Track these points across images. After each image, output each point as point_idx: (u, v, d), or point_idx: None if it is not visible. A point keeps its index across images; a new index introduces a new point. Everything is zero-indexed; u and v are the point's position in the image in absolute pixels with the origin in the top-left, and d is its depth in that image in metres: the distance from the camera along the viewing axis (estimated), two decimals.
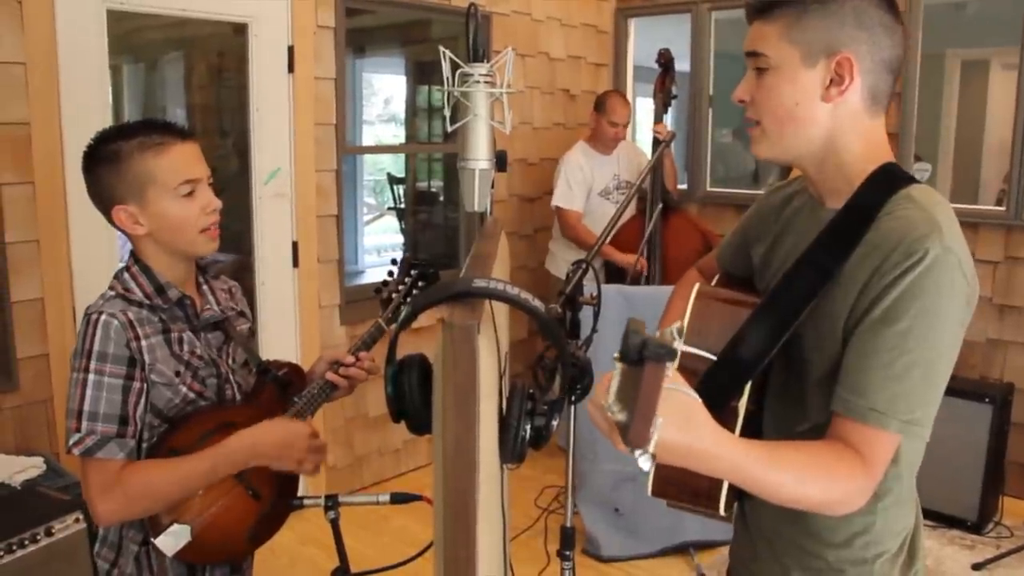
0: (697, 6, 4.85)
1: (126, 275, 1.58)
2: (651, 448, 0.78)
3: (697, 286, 1.38)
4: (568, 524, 1.76)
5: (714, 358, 0.91)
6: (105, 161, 1.54)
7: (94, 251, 2.96)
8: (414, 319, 0.99)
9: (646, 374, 0.76)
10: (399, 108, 8.88)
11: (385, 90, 8.90)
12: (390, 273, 1.96)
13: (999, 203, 4.26)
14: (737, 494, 1.27)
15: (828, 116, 1.22)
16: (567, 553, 1.76)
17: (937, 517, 3.70)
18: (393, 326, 1.89)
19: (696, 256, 4.14)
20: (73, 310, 2.92)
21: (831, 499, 1.13)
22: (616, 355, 0.86)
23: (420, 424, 1.06)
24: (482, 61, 1.38)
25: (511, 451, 1.01)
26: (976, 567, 3.40)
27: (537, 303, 0.98)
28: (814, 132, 1.23)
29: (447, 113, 1.38)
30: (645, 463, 0.79)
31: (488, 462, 0.97)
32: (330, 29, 3.64)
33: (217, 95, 5.02)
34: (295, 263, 3.66)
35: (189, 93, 5.21)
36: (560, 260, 4.46)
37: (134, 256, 1.61)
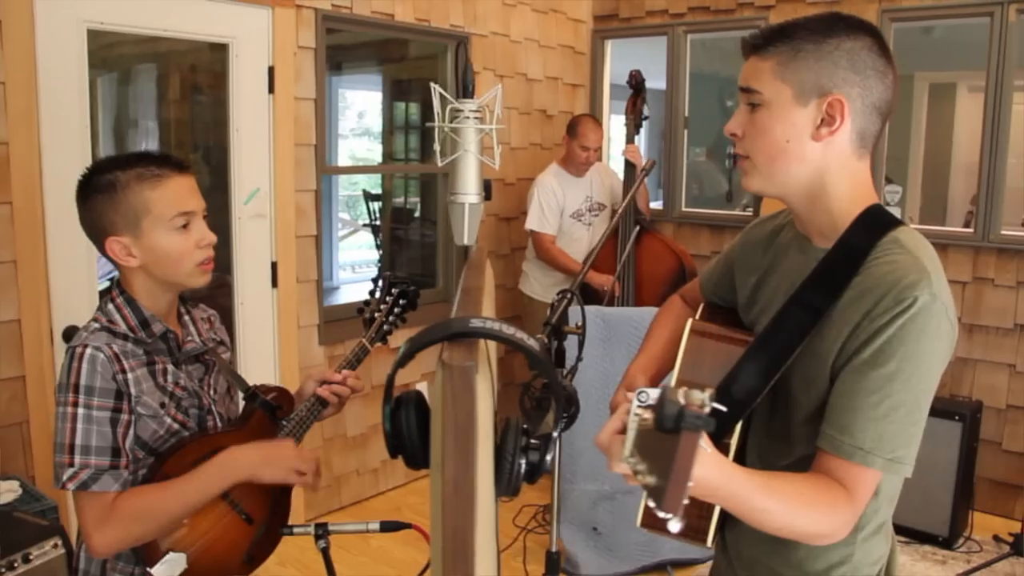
0: (673, 28, 4.92)
1: (110, 307, 1.58)
2: (681, 512, 0.80)
3: (690, 322, 1.41)
4: (553, 549, 1.77)
5: (725, 410, 0.93)
6: (101, 191, 1.54)
7: (72, 272, 2.94)
8: (411, 359, 1.01)
9: (683, 443, 0.78)
10: (372, 122, 8.90)
11: (358, 104, 8.92)
12: (372, 292, 1.98)
13: (967, 225, 4.36)
14: (719, 524, 1.30)
15: (817, 155, 1.25)
16: None
17: (910, 533, 3.77)
18: (377, 344, 1.91)
19: (670, 277, 4.22)
20: (51, 332, 2.91)
21: (817, 530, 1.17)
22: (636, 407, 0.88)
23: (417, 460, 1.08)
24: (471, 96, 1.41)
25: (506, 485, 1.04)
26: None
27: (532, 342, 1.00)
28: (803, 170, 1.25)
29: (437, 148, 1.41)
30: (675, 526, 0.80)
31: (484, 498, 0.99)
32: (311, 50, 3.66)
33: (196, 113, 5.01)
34: (274, 283, 3.65)
35: (167, 110, 5.18)
36: (534, 281, 4.49)
37: (119, 287, 1.61)
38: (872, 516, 1.30)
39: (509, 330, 0.98)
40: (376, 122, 8.87)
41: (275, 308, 3.68)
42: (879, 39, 1.24)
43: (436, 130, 1.39)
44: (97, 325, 1.55)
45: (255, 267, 3.59)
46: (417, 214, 7.39)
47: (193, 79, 4.93)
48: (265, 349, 3.67)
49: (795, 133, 1.24)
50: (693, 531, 1.26)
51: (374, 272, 8.26)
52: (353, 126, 9.08)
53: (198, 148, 5.15)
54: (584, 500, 3.57)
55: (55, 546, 2.39)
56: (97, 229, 1.57)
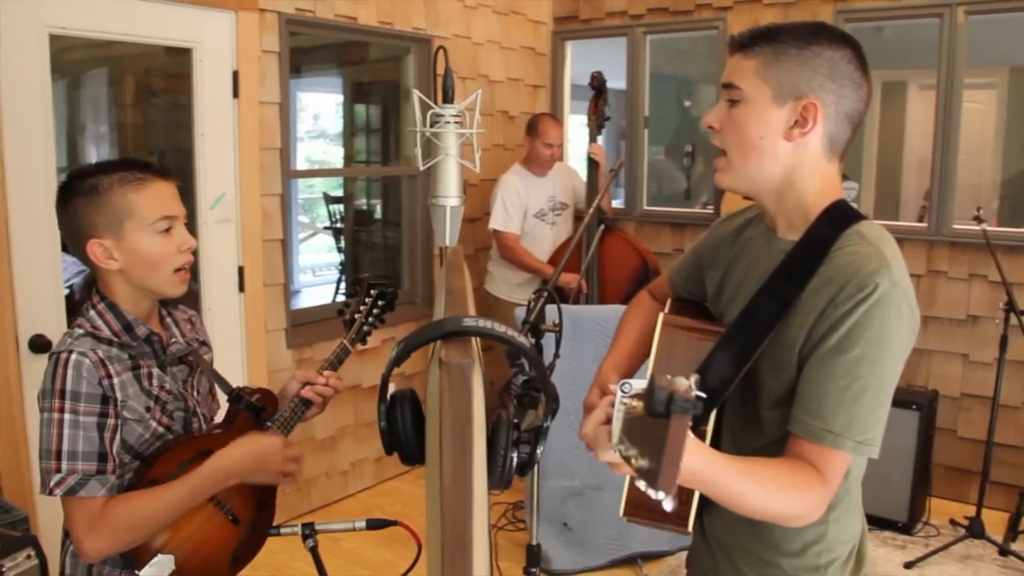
0: (632, 29, 4.99)
1: (92, 312, 1.59)
2: (674, 491, 0.84)
3: (662, 316, 1.46)
4: (534, 542, 1.82)
5: (705, 396, 0.98)
6: (83, 194, 1.55)
7: (37, 280, 2.91)
8: (407, 357, 1.04)
9: (673, 425, 0.82)
10: (327, 124, 8.87)
11: (312, 106, 8.87)
12: (351, 295, 2.01)
13: (921, 219, 4.49)
14: (698, 510, 1.35)
15: (788, 154, 1.31)
16: (533, 571, 1.82)
17: (870, 519, 3.83)
18: (359, 346, 1.94)
19: (634, 275, 4.29)
20: (16, 341, 2.88)
21: (793, 512, 1.22)
22: (621, 397, 0.93)
23: (412, 455, 1.11)
24: (451, 101, 1.44)
25: (499, 478, 1.07)
26: (908, 565, 3.57)
27: (523, 339, 1.04)
28: (773, 167, 1.32)
29: (418, 152, 1.44)
30: (669, 504, 0.84)
31: (479, 490, 1.03)
32: (275, 54, 3.66)
33: (155, 117, 4.97)
34: (241, 288, 3.65)
35: (123, 115, 5.14)
36: (499, 281, 4.53)
37: (99, 293, 1.61)
38: (844, 496, 1.36)
39: (501, 328, 1.02)
40: (331, 125, 8.85)
41: (242, 312, 3.67)
42: (859, 52, 1.30)
43: (417, 134, 1.42)
44: (81, 331, 1.55)
45: (222, 272, 3.58)
46: (378, 216, 7.37)
47: (151, 83, 4.89)
48: (233, 354, 3.66)
49: (769, 131, 1.30)
50: (674, 517, 1.31)
51: (334, 275, 8.25)
52: (308, 129, 9.04)
53: (153, 152, 5.11)
54: (554, 496, 3.61)
55: (28, 557, 2.36)
56: (78, 232, 1.57)
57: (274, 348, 3.83)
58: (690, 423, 0.83)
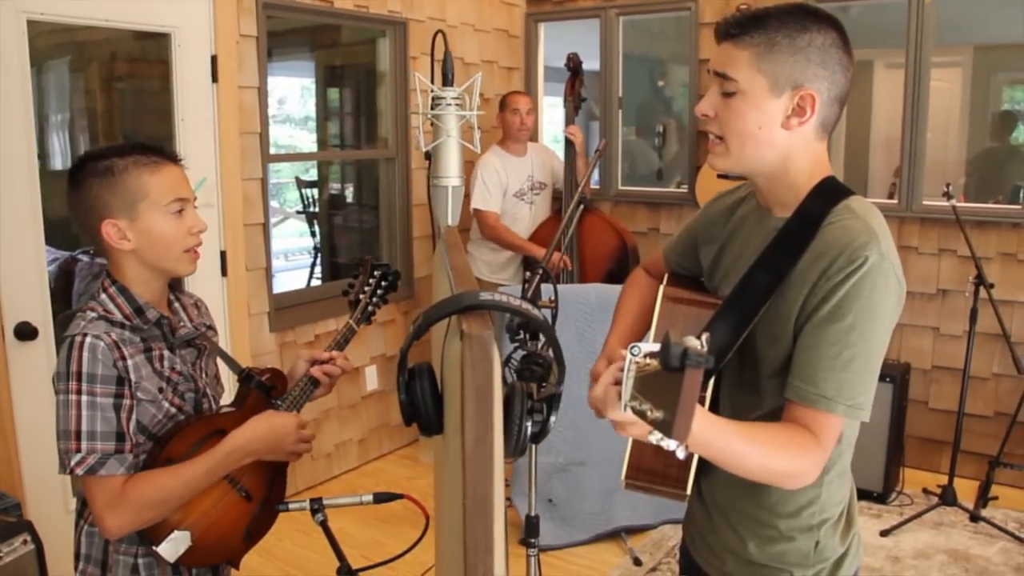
0: (605, 11, 5.02)
1: (103, 296, 1.61)
2: (687, 439, 0.90)
3: (662, 289, 1.51)
4: (532, 513, 1.86)
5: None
6: (98, 175, 1.58)
7: (21, 268, 2.91)
8: (426, 331, 1.08)
9: (688, 377, 0.88)
10: (293, 108, 8.82)
11: (278, 91, 8.81)
12: (355, 276, 2.05)
13: (891, 196, 4.58)
14: (696, 473, 1.40)
15: (785, 140, 1.35)
16: (532, 541, 1.87)
17: None
18: (363, 326, 1.98)
19: (613, 254, 4.34)
20: (1, 327, 2.87)
21: (790, 472, 1.28)
22: (638, 358, 0.98)
23: (432, 426, 1.15)
24: (451, 84, 1.48)
25: (515, 446, 1.12)
26: (883, 533, 3.68)
27: (537, 312, 1.08)
28: (770, 153, 1.36)
29: (420, 134, 1.47)
30: (681, 452, 0.90)
31: (498, 458, 1.07)
32: (252, 38, 3.65)
33: (131, 102, 4.92)
34: (223, 272, 3.66)
35: (96, 101, 5.07)
36: (479, 261, 4.57)
37: (110, 277, 1.64)
38: (836, 460, 1.43)
39: (516, 302, 1.06)
40: (296, 109, 8.80)
41: (225, 297, 3.68)
42: (843, 34, 1.35)
43: (420, 117, 1.45)
44: (94, 314, 1.58)
45: (204, 256, 3.50)
46: (350, 200, 7.34)
47: (123, 69, 4.84)
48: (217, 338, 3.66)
49: (767, 121, 1.33)
50: (673, 481, 1.37)
51: (307, 260, 8.23)
52: (274, 113, 8.97)
53: (124, 139, 5.05)
54: (539, 472, 3.66)
55: (24, 542, 2.38)
56: (91, 212, 1.59)
57: (257, 332, 3.85)
58: (702, 377, 0.88)
